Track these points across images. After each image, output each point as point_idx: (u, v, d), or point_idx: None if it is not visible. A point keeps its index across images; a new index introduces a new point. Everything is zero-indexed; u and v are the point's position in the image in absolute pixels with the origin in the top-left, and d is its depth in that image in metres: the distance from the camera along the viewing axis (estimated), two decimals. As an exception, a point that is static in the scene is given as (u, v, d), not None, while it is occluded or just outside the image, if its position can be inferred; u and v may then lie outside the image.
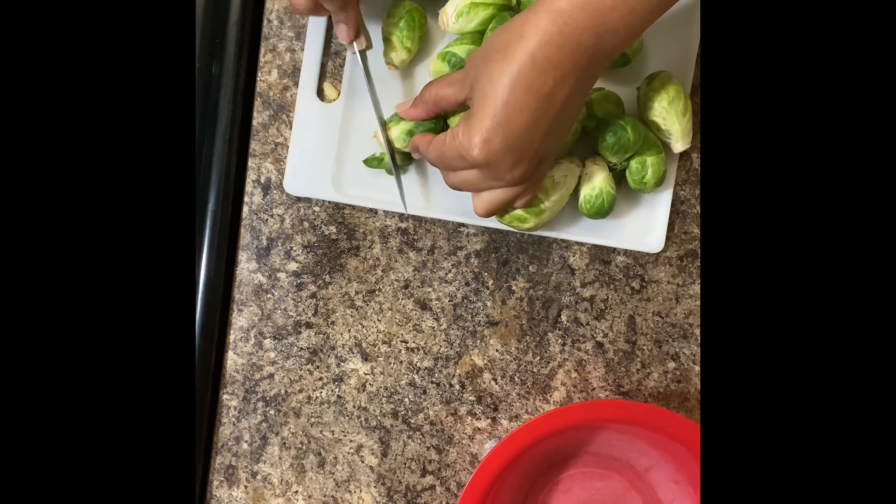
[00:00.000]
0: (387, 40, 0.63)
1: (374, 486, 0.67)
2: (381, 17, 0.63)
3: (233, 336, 0.67)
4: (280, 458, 0.67)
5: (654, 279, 0.67)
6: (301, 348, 0.67)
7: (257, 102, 0.66)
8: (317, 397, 0.67)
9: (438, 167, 0.58)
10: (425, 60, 0.65)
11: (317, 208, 0.66)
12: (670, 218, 0.66)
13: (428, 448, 0.67)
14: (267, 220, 0.66)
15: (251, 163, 0.66)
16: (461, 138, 0.52)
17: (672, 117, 0.62)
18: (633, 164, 0.62)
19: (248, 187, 0.66)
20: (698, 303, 0.67)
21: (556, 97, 0.50)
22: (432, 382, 0.67)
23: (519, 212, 0.61)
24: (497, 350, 0.67)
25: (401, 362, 0.67)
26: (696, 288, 0.67)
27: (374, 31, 0.63)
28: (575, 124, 0.60)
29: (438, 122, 0.61)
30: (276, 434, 0.67)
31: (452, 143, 0.53)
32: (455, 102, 0.56)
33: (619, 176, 0.64)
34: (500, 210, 0.58)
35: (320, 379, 0.67)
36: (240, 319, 0.66)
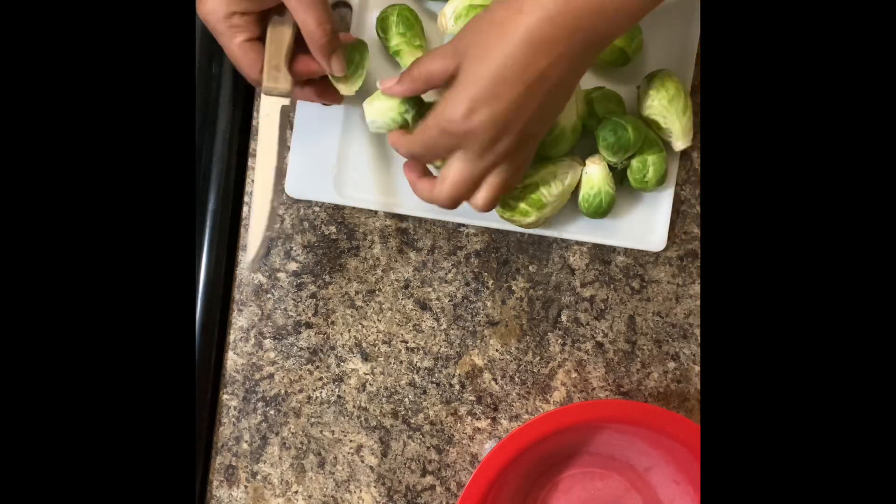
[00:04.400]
0: (397, 52, 0.62)
1: (374, 486, 0.67)
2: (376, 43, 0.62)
3: (233, 336, 0.67)
4: (280, 458, 0.67)
5: (654, 279, 0.67)
6: (301, 348, 0.66)
7: (257, 102, 0.66)
8: (317, 397, 0.67)
9: (423, 158, 0.55)
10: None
11: (317, 208, 0.66)
12: (671, 218, 0.66)
13: (428, 448, 0.67)
14: (267, 220, 0.66)
15: (251, 163, 0.66)
16: (446, 109, 0.50)
17: (672, 116, 0.62)
18: (635, 163, 0.62)
19: (248, 187, 0.66)
20: (698, 303, 0.67)
21: (548, 76, 0.49)
22: (432, 382, 0.67)
23: (522, 205, 0.61)
24: (497, 350, 0.67)
25: (401, 362, 0.67)
26: (696, 288, 0.67)
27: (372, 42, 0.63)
28: (574, 119, 0.60)
29: (421, 106, 0.58)
30: (276, 434, 0.67)
31: (435, 118, 0.51)
32: (445, 75, 0.52)
33: (620, 175, 0.64)
34: (466, 191, 0.54)
35: (320, 379, 0.67)
36: (240, 319, 0.66)
